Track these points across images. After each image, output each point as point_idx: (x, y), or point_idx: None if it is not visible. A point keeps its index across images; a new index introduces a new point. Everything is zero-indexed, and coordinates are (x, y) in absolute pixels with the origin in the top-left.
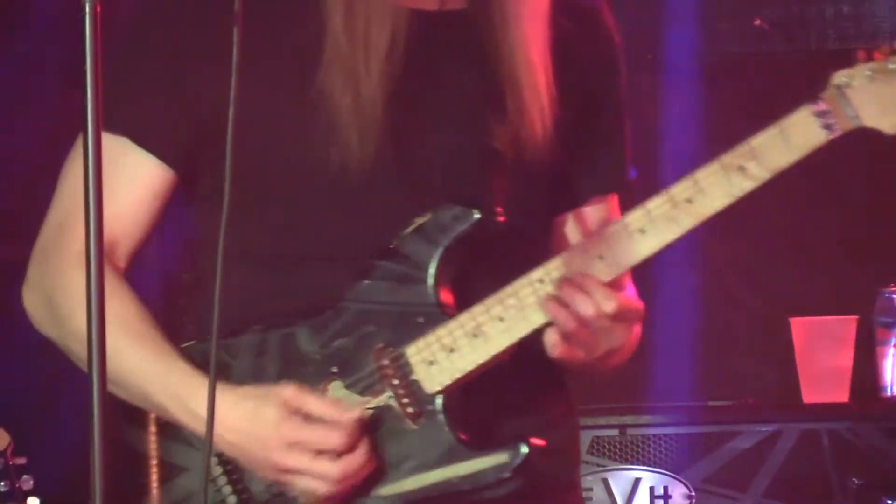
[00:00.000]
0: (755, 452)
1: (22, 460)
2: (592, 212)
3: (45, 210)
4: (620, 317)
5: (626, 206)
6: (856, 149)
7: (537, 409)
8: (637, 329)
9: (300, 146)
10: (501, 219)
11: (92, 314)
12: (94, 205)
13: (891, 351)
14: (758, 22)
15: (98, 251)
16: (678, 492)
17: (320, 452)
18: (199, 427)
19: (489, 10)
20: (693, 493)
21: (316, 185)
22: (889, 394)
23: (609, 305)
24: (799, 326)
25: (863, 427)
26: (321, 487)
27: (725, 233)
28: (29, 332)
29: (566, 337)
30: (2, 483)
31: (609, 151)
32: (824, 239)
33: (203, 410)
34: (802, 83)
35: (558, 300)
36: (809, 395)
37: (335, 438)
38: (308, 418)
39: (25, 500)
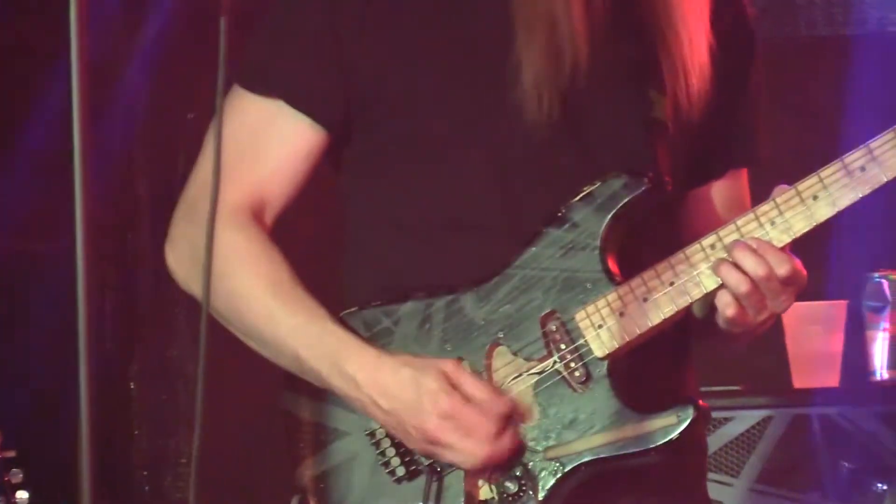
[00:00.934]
0: (746, 438)
1: (11, 453)
2: (727, 186)
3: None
4: (791, 280)
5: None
6: (842, 132)
7: (689, 376)
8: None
9: (470, 113)
10: (669, 187)
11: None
12: (82, 192)
13: (880, 335)
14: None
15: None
16: None
17: (471, 433)
18: (354, 391)
19: None
20: None
21: (484, 153)
22: (879, 378)
23: (782, 268)
24: (789, 311)
25: (853, 411)
26: (465, 463)
27: None
28: (28, 325)
29: (739, 298)
30: None
31: (745, 126)
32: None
33: (359, 374)
34: (791, 69)
35: (731, 263)
36: (800, 380)
37: (487, 425)
38: (465, 397)
39: (14, 493)
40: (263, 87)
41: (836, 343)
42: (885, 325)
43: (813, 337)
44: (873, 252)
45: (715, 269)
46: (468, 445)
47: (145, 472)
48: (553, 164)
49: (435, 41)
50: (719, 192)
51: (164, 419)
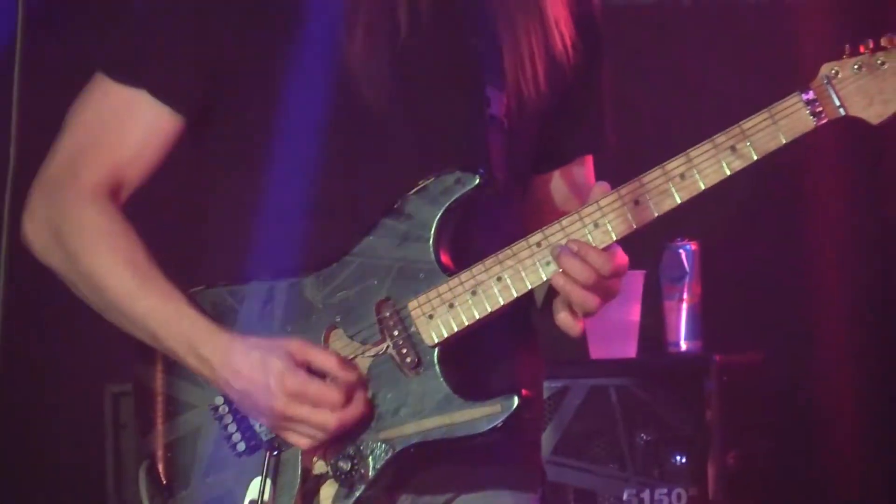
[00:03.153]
0: (543, 408)
1: None
2: (573, 172)
3: None
4: (615, 273)
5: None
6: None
7: (520, 364)
8: None
9: (309, 101)
10: (499, 182)
11: None
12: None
13: (678, 305)
14: None
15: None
16: None
17: (319, 404)
18: (209, 372)
19: None
20: None
21: (326, 142)
22: (677, 349)
23: (606, 267)
24: None
25: (650, 383)
26: (318, 435)
27: None
28: None
29: (572, 303)
30: None
31: (592, 114)
32: None
33: (213, 356)
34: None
35: (564, 273)
36: (597, 351)
37: (334, 393)
38: (311, 372)
39: None
40: (127, 76)
41: (634, 313)
42: (684, 295)
43: (610, 307)
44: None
45: (553, 280)
46: (318, 416)
47: None
48: (393, 156)
49: (283, 31)
50: (566, 177)
51: None
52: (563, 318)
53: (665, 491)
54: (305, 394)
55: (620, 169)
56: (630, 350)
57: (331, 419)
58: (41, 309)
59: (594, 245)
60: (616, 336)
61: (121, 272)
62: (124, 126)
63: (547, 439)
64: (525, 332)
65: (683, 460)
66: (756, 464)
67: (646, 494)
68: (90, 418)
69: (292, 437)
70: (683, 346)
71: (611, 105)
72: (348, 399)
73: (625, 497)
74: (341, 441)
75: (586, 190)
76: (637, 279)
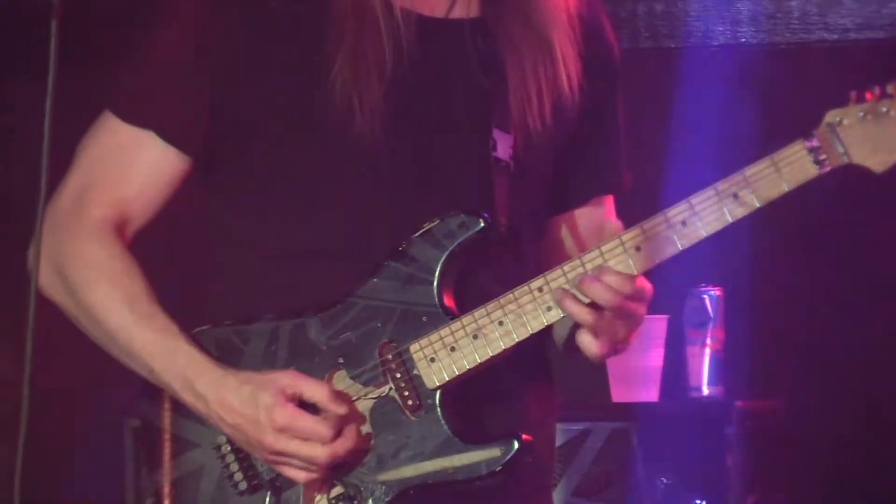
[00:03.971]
0: (565, 450)
1: None
2: (590, 212)
3: None
4: (638, 296)
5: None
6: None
7: (527, 404)
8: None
9: (312, 147)
10: (504, 227)
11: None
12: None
13: (701, 351)
14: None
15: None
16: None
17: (309, 437)
18: (204, 408)
19: (503, 19)
20: None
21: (331, 183)
22: (700, 394)
23: (627, 286)
24: None
25: (672, 427)
26: (311, 468)
27: None
28: None
29: (594, 332)
30: None
31: (607, 154)
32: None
33: (208, 392)
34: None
35: (572, 295)
36: (619, 395)
37: (323, 427)
38: (303, 405)
39: None
40: (135, 117)
41: (656, 358)
42: (707, 340)
43: (633, 351)
44: (695, 267)
45: (558, 301)
46: (307, 450)
47: None
48: (397, 198)
49: (287, 75)
50: (583, 218)
51: None
52: (584, 338)
53: None
54: (294, 428)
55: (636, 206)
56: (652, 394)
57: (321, 453)
58: (62, 340)
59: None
60: (638, 380)
61: (119, 307)
62: (130, 164)
63: (567, 481)
64: (535, 371)
65: None
66: None
67: None
68: (110, 452)
69: (287, 472)
70: (706, 391)
71: (626, 145)
72: (338, 432)
73: None
74: (342, 482)
75: (603, 230)
76: (660, 324)
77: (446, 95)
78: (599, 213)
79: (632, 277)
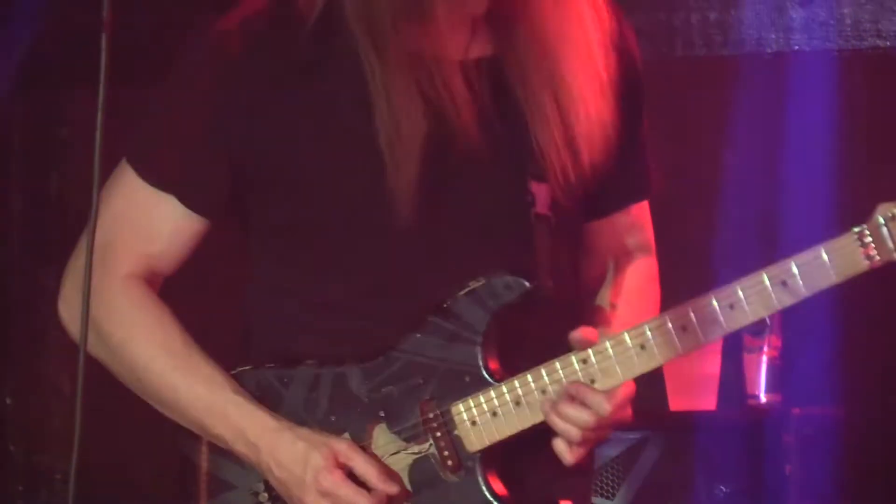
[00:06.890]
0: (622, 460)
1: None
2: (626, 214)
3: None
4: (619, 407)
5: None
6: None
7: (567, 472)
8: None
9: (353, 199)
10: (550, 288)
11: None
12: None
13: (759, 358)
14: None
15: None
16: None
17: None
18: (254, 456)
19: (520, 55)
20: None
21: (371, 240)
22: (758, 401)
23: (604, 408)
24: None
25: (730, 435)
26: None
27: None
28: None
29: (572, 443)
30: None
31: (636, 164)
32: (689, 242)
33: (260, 441)
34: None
35: (561, 415)
36: (676, 403)
37: (366, 501)
38: (351, 475)
39: None
40: (156, 181)
41: (714, 365)
42: (764, 348)
43: (690, 360)
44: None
45: (548, 418)
46: None
47: (20, 488)
48: (438, 254)
49: (313, 128)
50: (615, 225)
51: (38, 435)
52: (559, 446)
53: None
54: (336, 494)
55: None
56: (709, 402)
57: None
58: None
59: (636, 366)
60: (695, 388)
61: (160, 366)
62: (152, 223)
63: (626, 490)
64: None
65: None
66: None
67: None
68: (163, 484)
69: None
70: (763, 398)
71: (650, 148)
72: None
73: None
74: None
75: (641, 230)
76: None
77: (480, 144)
78: (630, 220)
79: (611, 397)
